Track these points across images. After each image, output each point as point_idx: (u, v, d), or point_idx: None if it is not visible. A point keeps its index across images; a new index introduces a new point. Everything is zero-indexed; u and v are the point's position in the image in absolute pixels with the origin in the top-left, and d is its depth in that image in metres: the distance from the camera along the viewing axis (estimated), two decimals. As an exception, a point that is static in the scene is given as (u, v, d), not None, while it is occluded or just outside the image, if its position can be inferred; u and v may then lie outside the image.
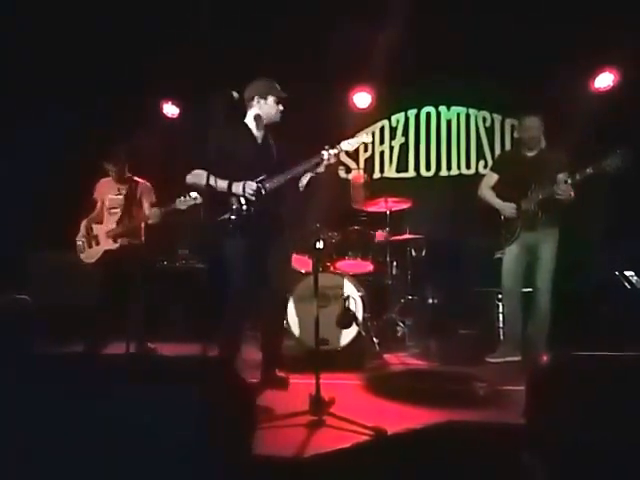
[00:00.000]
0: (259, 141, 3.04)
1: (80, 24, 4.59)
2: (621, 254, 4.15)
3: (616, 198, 4.52)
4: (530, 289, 3.70)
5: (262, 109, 2.98)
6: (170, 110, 5.62)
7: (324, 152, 2.85)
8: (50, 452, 1.43)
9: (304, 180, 3.02)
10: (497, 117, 5.56)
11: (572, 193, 3.35)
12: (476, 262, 4.55)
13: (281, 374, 2.99)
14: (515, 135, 4.13)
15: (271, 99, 2.97)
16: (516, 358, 3.61)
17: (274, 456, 1.90)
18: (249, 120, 3.02)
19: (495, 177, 3.84)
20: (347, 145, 2.91)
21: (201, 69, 4.76)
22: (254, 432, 1.81)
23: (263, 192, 2.85)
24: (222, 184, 2.81)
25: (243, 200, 2.83)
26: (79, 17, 4.54)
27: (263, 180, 2.87)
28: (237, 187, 2.81)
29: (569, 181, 3.33)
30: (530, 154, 3.72)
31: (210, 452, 1.47)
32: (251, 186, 2.82)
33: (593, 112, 4.66)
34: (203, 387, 1.52)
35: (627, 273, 3.88)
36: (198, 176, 2.92)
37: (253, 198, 2.82)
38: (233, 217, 2.80)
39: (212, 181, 2.77)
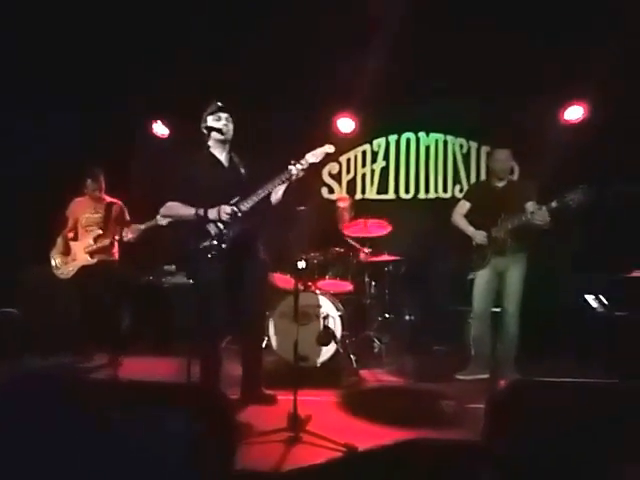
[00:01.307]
0: (225, 164, 3.11)
1: (65, 38, 4.68)
2: (585, 280, 4.39)
3: (582, 227, 4.76)
4: (499, 309, 3.90)
5: (215, 133, 3.02)
6: (159, 129, 5.76)
7: (291, 167, 2.91)
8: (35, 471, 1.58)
9: (277, 194, 3.08)
10: (473, 144, 5.79)
11: (548, 218, 3.51)
12: (451, 282, 4.72)
13: (268, 392, 3.11)
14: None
15: (210, 119, 3.04)
16: (484, 376, 3.77)
17: (254, 471, 2.07)
18: (212, 147, 3.09)
19: (467, 205, 4.05)
20: (312, 157, 2.95)
21: (185, 92, 4.89)
22: (236, 449, 1.97)
23: (239, 214, 2.93)
24: (198, 212, 2.86)
25: (221, 225, 2.91)
26: (64, 31, 4.64)
27: (237, 202, 2.95)
28: (213, 213, 2.88)
29: (544, 208, 3.49)
30: (500, 184, 3.94)
31: (194, 469, 1.62)
32: (225, 210, 2.89)
33: (563, 144, 4.90)
34: (186, 409, 1.67)
35: (589, 297, 4.11)
36: (171, 208, 3.04)
37: (230, 221, 2.90)
38: (214, 242, 2.88)
39: (189, 211, 2.89)
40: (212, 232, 2.91)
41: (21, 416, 1.66)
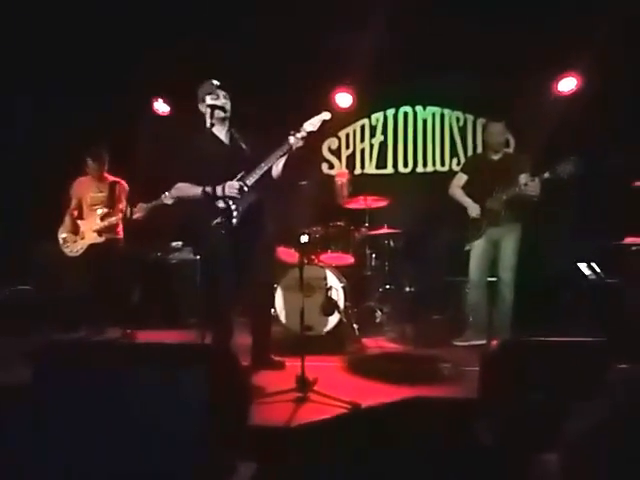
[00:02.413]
0: (226, 142, 3.20)
1: (67, 20, 4.70)
2: (578, 248, 4.53)
3: (574, 198, 4.89)
4: (495, 279, 4.06)
5: (218, 111, 3.08)
6: (160, 107, 5.82)
7: (290, 137, 3.00)
8: (65, 432, 1.65)
9: (277, 168, 3.15)
10: (469, 117, 5.86)
11: (539, 190, 3.68)
12: (448, 254, 4.84)
13: (277, 358, 3.27)
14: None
15: (209, 98, 3.07)
16: (481, 342, 3.91)
17: (266, 426, 2.22)
18: (208, 125, 3.09)
19: (464, 178, 4.17)
20: (309, 126, 3.02)
21: (184, 69, 4.91)
22: (250, 406, 2.15)
23: (245, 189, 3.02)
24: (207, 190, 2.94)
25: (229, 201, 3.00)
26: (67, 13, 4.66)
27: (242, 177, 3.04)
28: (220, 190, 2.97)
29: (536, 180, 3.65)
30: (495, 157, 4.06)
31: (214, 423, 1.78)
32: (233, 186, 2.98)
33: (556, 116, 4.99)
34: (207, 369, 1.83)
35: (581, 265, 4.27)
36: (181, 189, 3.14)
37: (238, 196, 3.00)
38: (224, 218, 2.98)
39: (198, 190, 2.97)
40: (221, 208, 3.00)
41: (53, 381, 1.84)
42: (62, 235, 4.40)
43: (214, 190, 2.94)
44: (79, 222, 4.41)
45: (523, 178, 3.79)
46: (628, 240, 4.21)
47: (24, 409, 1.78)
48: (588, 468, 1.37)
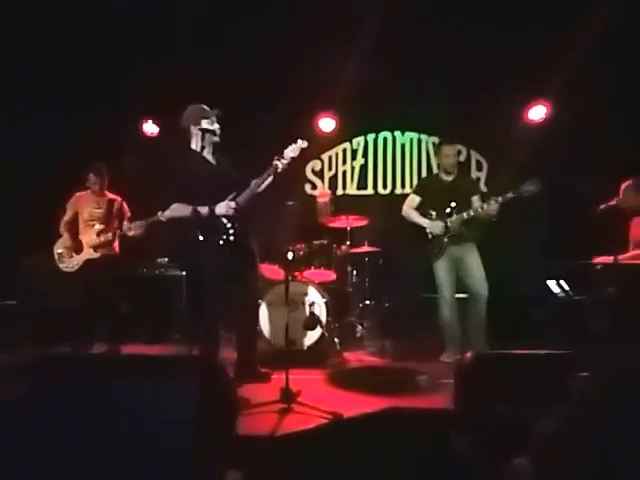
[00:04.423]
0: (214, 164, 3.32)
1: (62, 37, 4.85)
2: (547, 266, 4.75)
3: (543, 217, 5.16)
4: (466, 295, 4.18)
5: (211, 135, 3.24)
6: (149, 128, 5.94)
7: (276, 162, 3.22)
8: (56, 447, 1.64)
9: (261, 186, 3.31)
10: (445, 142, 6.12)
11: (496, 211, 3.87)
12: (425, 271, 5.02)
13: (264, 370, 3.37)
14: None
15: (204, 122, 3.22)
16: None
17: (253, 436, 2.34)
18: (197, 147, 3.26)
19: (417, 199, 4.29)
20: (290, 152, 3.27)
21: (173, 92, 5.04)
22: (237, 417, 2.26)
23: (239, 208, 3.17)
24: (203, 210, 3.08)
25: (225, 219, 3.14)
26: (60, 30, 4.79)
27: (235, 197, 3.19)
28: (220, 209, 3.11)
29: (492, 202, 3.83)
30: (448, 178, 4.23)
31: (202, 434, 1.88)
32: (230, 205, 3.13)
33: (525, 141, 5.28)
34: (197, 381, 1.93)
35: (549, 282, 4.47)
36: (176, 209, 3.21)
37: (234, 215, 3.14)
38: (224, 236, 3.12)
39: (192, 211, 3.07)
40: (220, 226, 3.13)
41: (47, 394, 1.91)
42: (58, 250, 4.38)
43: (212, 210, 3.08)
44: (75, 237, 4.41)
45: (476, 200, 4.00)
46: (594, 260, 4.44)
47: (14, 423, 1.83)
48: (555, 469, 1.50)
